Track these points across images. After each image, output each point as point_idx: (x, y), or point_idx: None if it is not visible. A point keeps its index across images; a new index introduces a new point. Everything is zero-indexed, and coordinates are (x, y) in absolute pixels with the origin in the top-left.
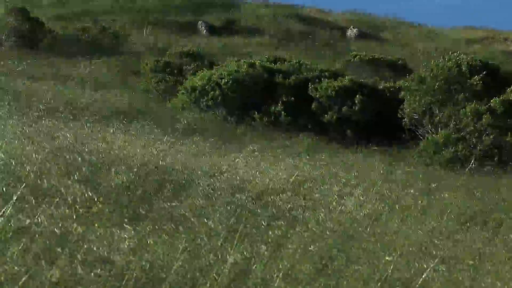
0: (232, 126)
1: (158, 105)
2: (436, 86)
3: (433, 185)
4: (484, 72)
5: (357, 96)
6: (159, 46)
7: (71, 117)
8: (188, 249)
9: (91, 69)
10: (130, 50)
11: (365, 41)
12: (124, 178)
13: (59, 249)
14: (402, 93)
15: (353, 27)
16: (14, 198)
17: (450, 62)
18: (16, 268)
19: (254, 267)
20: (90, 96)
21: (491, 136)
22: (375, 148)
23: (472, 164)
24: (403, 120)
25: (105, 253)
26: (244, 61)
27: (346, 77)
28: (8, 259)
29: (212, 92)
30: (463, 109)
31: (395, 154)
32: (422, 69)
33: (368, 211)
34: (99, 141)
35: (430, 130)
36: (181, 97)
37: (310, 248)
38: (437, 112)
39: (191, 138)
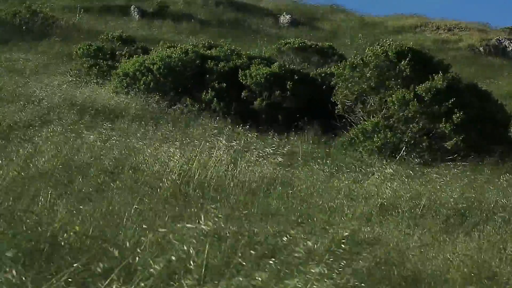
0: (163, 111)
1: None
2: (368, 74)
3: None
4: (409, 58)
5: (288, 82)
6: (91, 30)
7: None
8: None
9: (22, 54)
10: (62, 35)
11: (298, 29)
12: None
13: None
14: (334, 80)
15: (285, 14)
16: None
17: (379, 49)
18: None
19: None
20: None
21: (420, 124)
22: (305, 135)
23: (402, 152)
24: (336, 107)
25: None
26: (176, 47)
27: (277, 63)
28: None
29: (144, 78)
30: (391, 96)
31: (327, 140)
32: (354, 56)
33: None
34: None
35: (362, 117)
36: (114, 82)
37: None
38: (368, 99)
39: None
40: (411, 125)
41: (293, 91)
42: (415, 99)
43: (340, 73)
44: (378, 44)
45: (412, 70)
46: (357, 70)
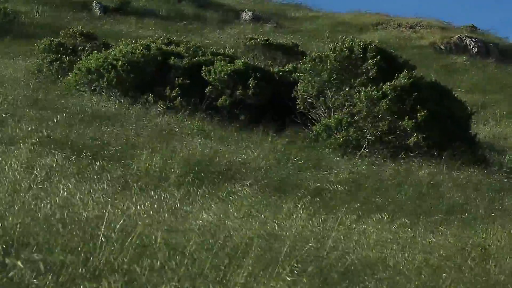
0: (125, 108)
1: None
2: (329, 70)
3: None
4: (376, 59)
5: (251, 80)
6: (53, 26)
7: None
8: None
9: None
10: (23, 30)
11: (260, 25)
12: None
13: None
14: (296, 74)
15: (247, 11)
16: None
17: (343, 45)
18: None
19: None
20: None
21: (386, 122)
22: (268, 131)
23: (364, 149)
24: (297, 102)
25: None
26: (139, 43)
27: (240, 60)
28: None
29: (107, 74)
30: (357, 93)
31: (290, 136)
32: (316, 52)
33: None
34: None
35: (324, 114)
36: (74, 78)
37: None
38: (330, 96)
39: None
40: (380, 123)
41: (256, 88)
42: (383, 97)
43: (302, 68)
44: (338, 41)
45: (378, 69)
46: (318, 64)
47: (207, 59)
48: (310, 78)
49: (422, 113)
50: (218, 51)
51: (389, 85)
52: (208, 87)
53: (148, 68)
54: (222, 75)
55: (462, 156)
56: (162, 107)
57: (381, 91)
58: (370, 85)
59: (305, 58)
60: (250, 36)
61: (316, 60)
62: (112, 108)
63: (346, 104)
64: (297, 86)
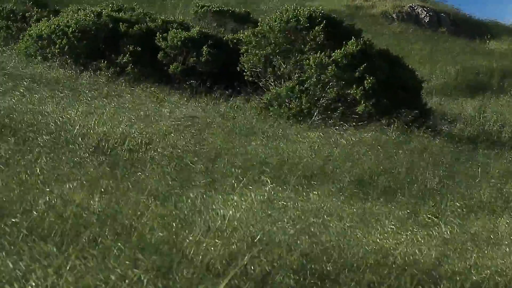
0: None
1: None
2: (275, 40)
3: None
4: (322, 25)
5: (204, 47)
6: None
7: None
8: None
9: None
10: None
11: None
12: None
13: None
14: (242, 48)
15: None
16: None
17: (289, 14)
18: None
19: None
20: None
21: (335, 89)
22: (220, 98)
23: (315, 117)
24: (244, 73)
25: None
26: (89, 10)
27: (196, 28)
28: None
29: (59, 41)
30: (307, 60)
31: (240, 105)
32: (262, 22)
33: None
34: None
35: (273, 83)
36: (25, 44)
37: None
38: (279, 65)
39: None
40: (328, 90)
41: (208, 55)
42: (333, 64)
43: (247, 40)
44: (284, 10)
45: (325, 37)
46: (264, 36)
47: (159, 26)
48: (256, 51)
49: (370, 81)
50: (168, 19)
51: (339, 52)
52: (160, 53)
53: (100, 35)
54: (175, 42)
55: (413, 124)
56: (109, 74)
57: (331, 58)
58: (319, 52)
59: (250, 29)
60: (203, 3)
61: (259, 35)
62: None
63: (296, 71)
64: (241, 58)
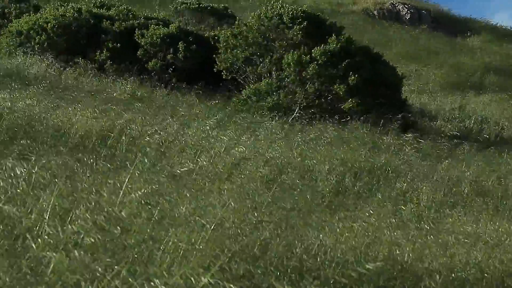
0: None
1: None
2: (253, 39)
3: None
4: (303, 25)
5: (180, 43)
6: None
7: None
8: None
9: None
10: None
11: None
12: None
13: None
14: (220, 48)
15: None
16: None
17: (271, 12)
18: None
19: None
20: None
21: (316, 85)
22: (199, 93)
23: (296, 113)
24: (222, 72)
25: None
26: (70, 6)
27: (174, 24)
28: None
29: (38, 37)
30: (285, 58)
31: (220, 100)
32: (239, 22)
33: None
34: None
35: (253, 80)
36: (5, 41)
37: None
38: (257, 62)
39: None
40: (307, 86)
41: (186, 51)
42: (313, 62)
43: (224, 40)
44: (266, 7)
45: (305, 35)
46: (242, 36)
47: (140, 23)
48: (235, 52)
49: (354, 78)
50: (150, 15)
51: (318, 50)
52: (140, 50)
53: (81, 31)
54: (154, 38)
55: (392, 121)
56: (89, 70)
57: (309, 56)
58: (298, 50)
59: (225, 30)
60: (182, 0)
61: (238, 36)
62: (40, 71)
63: (276, 69)
64: (218, 57)
